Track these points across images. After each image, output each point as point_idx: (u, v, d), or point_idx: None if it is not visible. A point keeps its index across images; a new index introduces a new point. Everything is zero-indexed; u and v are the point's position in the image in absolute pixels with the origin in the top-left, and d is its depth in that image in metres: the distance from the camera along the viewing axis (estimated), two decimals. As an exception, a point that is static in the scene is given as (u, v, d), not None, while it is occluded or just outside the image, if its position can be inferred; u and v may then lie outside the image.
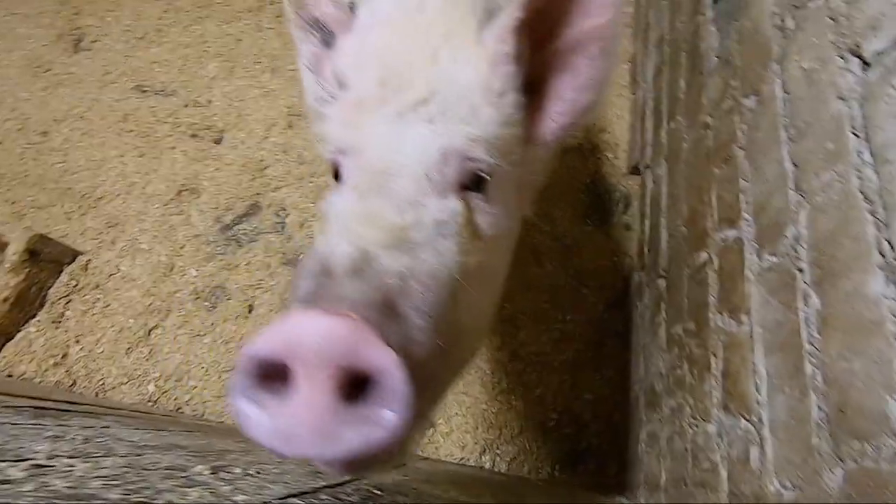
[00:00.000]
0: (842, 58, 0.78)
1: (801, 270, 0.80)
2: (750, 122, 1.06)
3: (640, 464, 1.44)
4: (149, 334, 1.89)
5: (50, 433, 0.46)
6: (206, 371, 1.82)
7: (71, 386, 1.76)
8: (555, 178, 2.03)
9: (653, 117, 1.84)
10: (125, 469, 0.36)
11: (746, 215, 1.02)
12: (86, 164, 2.23)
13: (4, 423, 0.46)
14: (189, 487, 0.36)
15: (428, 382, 0.59)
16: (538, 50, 0.78)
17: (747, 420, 0.90)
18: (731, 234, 1.07)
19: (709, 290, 1.13)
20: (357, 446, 0.46)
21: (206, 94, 2.40)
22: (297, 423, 0.46)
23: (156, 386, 1.79)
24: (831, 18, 0.82)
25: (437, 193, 0.70)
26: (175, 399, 1.77)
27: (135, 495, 0.32)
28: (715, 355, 1.06)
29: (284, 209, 2.12)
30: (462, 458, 1.69)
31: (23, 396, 0.99)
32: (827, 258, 0.74)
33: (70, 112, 2.36)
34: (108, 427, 0.62)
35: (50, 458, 0.35)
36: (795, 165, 0.87)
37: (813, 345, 0.75)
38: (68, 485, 0.30)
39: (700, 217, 1.24)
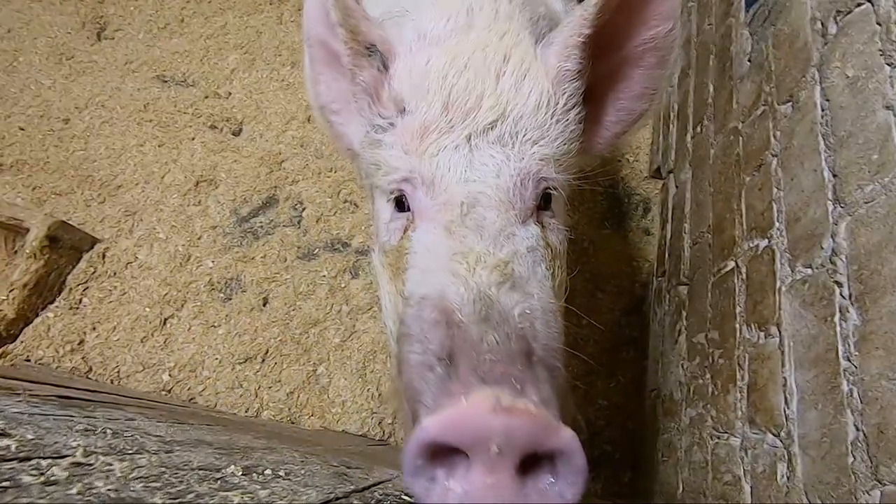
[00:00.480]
0: (890, 65, 0.76)
1: (839, 284, 0.78)
2: (785, 129, 1.03)
3: (656, 472, 1.42)
4: (164, 323, 1.89)
5: (80, 426, 0.45)
6: (220, 362, 1.82)
7: (87, 372, 1.77)
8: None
9: (677, 121, 1.81)
10: (161, 469, 0.36)
11: (778, 225, 0.99)
12: (106, 153, 2.24)
13: (34, 414, 0.46)
14: (227, 491, 0.35)
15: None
16: (596, 61, 0.77)
17: (775, 435, 0.88)
18: (761, 243, 1.05)
19: (735, 299, 1.11)
20: None
21: (226, 86, 2.40)
22: (482, 496, 0.49)
23: (170, 375, 1.79)
24: (879, 24, 0.80)
25: (522, 220, 0.71)
26: (188, 389, 1.78)
27: (178, 500, 0.32)
28: (740, 367, 1.04)
29: (301, 203, 2.12)
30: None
31: (45, 384, 0.99)
32: (869, 273, 0.72)
33: (91, 100, 2.37)
34: (132, 420, 0.62)
35: (87, 454, 0.34)
36: (835, 175, 0.84)
37: (851, 362, 0.73)
38: (110, 487, 0.29)
39: (727, 225, 1.22)
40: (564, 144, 0.76)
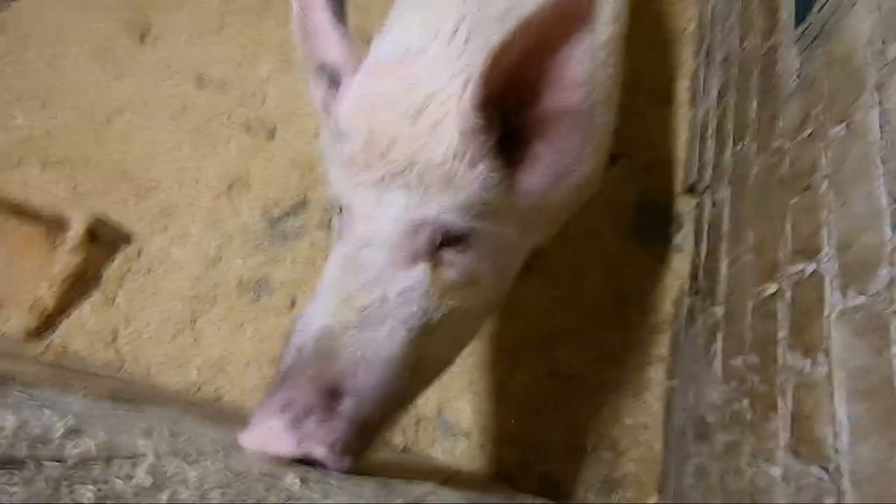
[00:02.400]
0: (958, 91, 0.73)
1: (896, 315, 0.75)
2: (836, 152, 1.01)
3: (684, 497, 1.38)
4: (194, 322, 1.93)
5: (142, 424, 0.46)
6: (248, 363, 1.84)
7: (120, 367, 1.81)
8: (602, 192, 1.99)
9: (715, 138, 1.79)
10: (228, 475, 0.36)
11: (828, 249, 0.97)
12: (143, 153, 2.30)
13: (95, 411, 0.47)
14: (296, 500, 0.35)
15: (380, 420, 0.74)
16: (520, 110, 0.77)
17: (822, 468, 0.85)
18: (808, 267, 1.02)
19: (778, 323, 1.08)
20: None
21: (261, 91, 2.45)
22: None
23: (198, 373, 1.82)
24: (946, 48, 0.77)
25: (406, 262, 0.76)
26: (216, 389, 1.80)
27: (257, 513, 0.32)
28: (783, 394, 1.01)
29: (331, 207, 2.14)
30: (489, 475, 1.66)
31: (87, 374, 1.01)
32: (932, 305, 0.69)
33: (132, 101, 2.44)
34: (181, 418, 0.64)
35: (158, 457, 0.35)
36: (894, 201, 0.82)
37: (910, 396, 0.70)
38: (192, 495, 0.29)
39: (770, 246, 1.19)
40: (473, 194, 0.78)
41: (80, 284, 1.87)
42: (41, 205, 1.89)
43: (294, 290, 1.98)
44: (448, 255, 0.80)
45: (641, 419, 1.71)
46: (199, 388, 1.80)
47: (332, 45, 0.80)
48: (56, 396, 0.49)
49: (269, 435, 0.63)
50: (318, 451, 0.63)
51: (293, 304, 1.96)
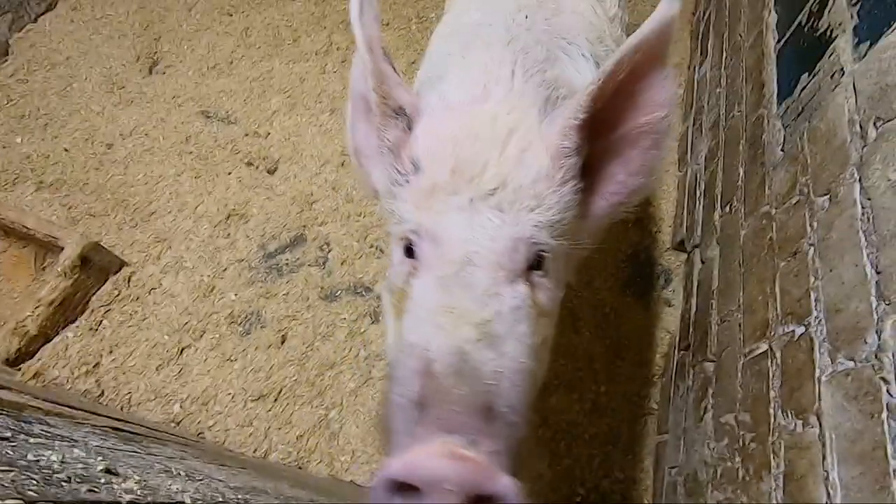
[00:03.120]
0: (935, 175, 0.80)
1: (886, 381, 0.79)
2: (822, 221, 1.07)
3: (675, 557, 1.37)
4: (181, 353, 1.89)
5: (158, 464, 0.45)
6: (233, 398, 1.80)
7: (99, 396, 1.75)
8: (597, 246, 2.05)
9: (704, 198, 1.87)
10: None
11: (817, 313, 1.01)
12: (143, 179, 2.31)
13: (113, 449, 0.46)
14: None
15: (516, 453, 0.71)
16: (595, 139, 0.84)
17: (817, 531, 0.86)
18: (797, 329, 1.06)
19: (769, 384, 1.11)
20: None
21: (265, 126, 2.50)
22: None
23: (181, 407, 1.77)
24: (922, 136, 0.85)
25: (510, 280, 0.77)
26: (198, 423, 1.75)
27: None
28: (776, 454, 1.03)
29: (328, 244, 2.16)
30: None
31: (90, 412, 0.98)
32: (919, 374, 0.73)
33: (136, 129, 2.47)
34: (185, 458, 0.62)
35: (193, 501, 0.35)
36: (879, 272, 0.87)
37: (901, 462, 0.72)
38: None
39: (760, 307, 1.24)
40: (559, 213, 0.83)
41: (66, 310, 1.83)
42: (34, 227, 1.87)
43: (285, 325, 1.96)
44: (536, 278, 0.82)
45: (632, 473, 1.70)
46: (179, 423, 1.74)
47: (402, 92, 0.85)
48: (71, 431, 0.48)
49: (438, 461, 0.59)
50: (502, 483, 0.59)
51: (284, 339, 1.93)
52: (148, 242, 2.12)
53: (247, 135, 2.46)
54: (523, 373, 0.73)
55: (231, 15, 2.92)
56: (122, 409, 1.75)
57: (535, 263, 0.82)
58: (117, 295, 1.98)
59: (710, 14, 2.40)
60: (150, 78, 2.67)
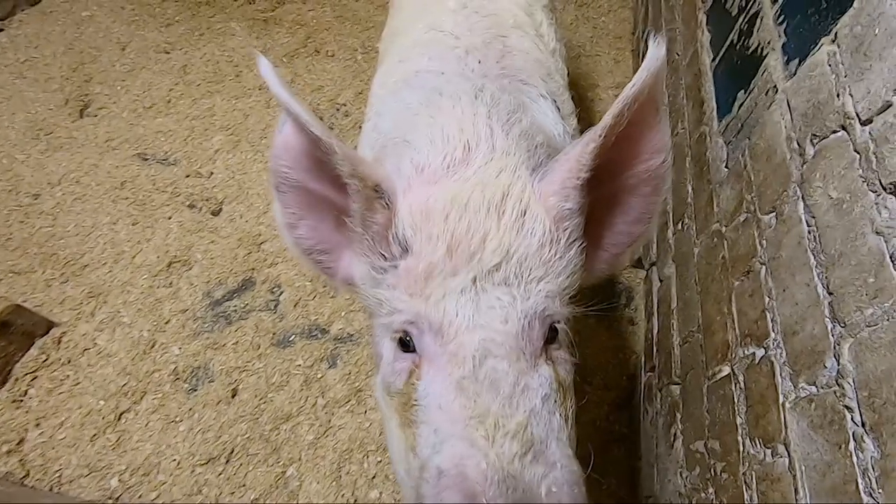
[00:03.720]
0: (874, 192, 0.79)
1: (849, 409, 0.76)
2: (770, 240, 1.06)
3: None
4: (119, 419, 1.73)
5: None
6: (178, 464, 1.65)
7: (23, 478, 1.57)
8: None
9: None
10: None
11: (774, 336, 0.99)
12: (74, 230, 2.15)
13: None
14: None
15: None
16: (593, 191, 0.78)
17: (796, 572, 0.81)
18: (757, 352, 1.03)
19: (735, 409, 1.08)
20: None
21: (208, 166, 2.39)
22: None
23: (119, 480, 1.61)
24: (857, 153, 0.84)
25: (533, 364, 0.70)
26: (140, 497, 1.59)
27: None
28: (748, 486, 0.98)
29: (279, 286, 2.05)
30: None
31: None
32: (882, 402, 0.70)
33: (65, 176, 2.32)
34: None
35: None
36: (830, 293, 0.85)
37: (874, 499, 0.69)
38: None
39: (719, 328, 1.21)
40: (568, 278, 0.76)
41: (-16, 382, 1.65)
42: (-54, 291, 1.70)
43: (235, 377, 1.83)
44: (554, 353, 0.75)
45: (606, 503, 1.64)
46: (118, 499, 1.58)
47: (373, 169, 0.74)
48: None
49: None
50: None
51: (234, 393, 1.80)
52: (80, 298, 1.96)
53: (188, 176, 2.34)
54: (577, 482, 0.63)
55: (168, 52, 2.82)
56: (51, 489, 1.57)
57: (551, 336, 0.74)
58: (45, 360, 1.81)
59: (648, 33, 2.46)
60: (81, 122, 2.53)
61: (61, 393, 1.75)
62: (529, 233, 0.73)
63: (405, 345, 0.74)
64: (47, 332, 1.85)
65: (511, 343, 0.68)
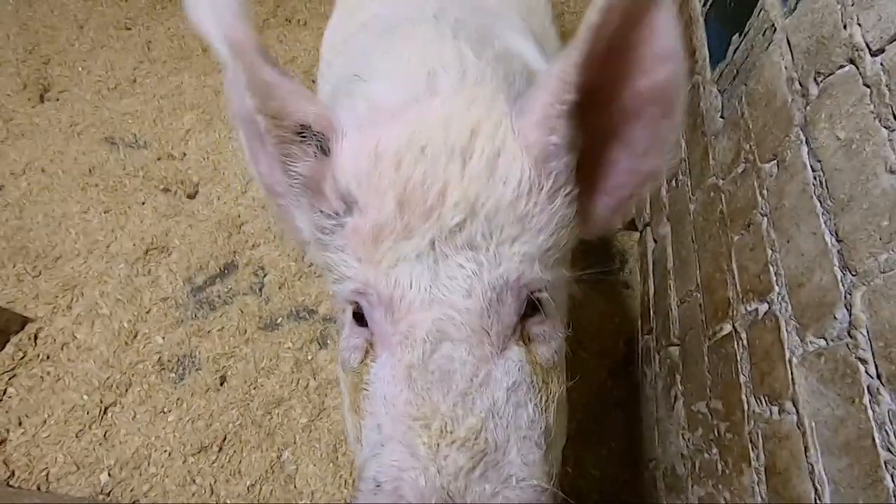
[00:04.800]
0: (888, 128, 0.73)
1: (863, 362, 0.71)
2: (772, 189, 1.00)
3: (663, 557, 1.29)
4: (104, 413, 1.67)
5: None
6: (170, 455, 1.61)
7: (8, 478, 1.52)
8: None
9: (648, 174, 1.81)
10: None
11: (779, 289, 0.94)
12: (44, 221, 2.06)
13: None
14: None
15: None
16: (585, 118, 0.61)
17: (809, 531, 0.78)
18: (760, 307, 0.99)
19: (738, 367, 1.04)
20: None
21: (180, 147, 2.28)
22: None
23: (109, 475, 1.56)
24: (867, 86, 0.78)
25: (500, 347, 0.58)
26: (132, 490, 1.55)
27: None
28: (754, 445, 0.95)
29: (263, 268, 1.98)
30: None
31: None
32: (899, 352, 0.66)
33: (30, 165, 2.20)
34: None
35: None
36: (840, 240, 0.80)
37: (893, 453, 0.65)
38: None
39: (718, 285, 1.17)
40: (553, 235, 0.61)
41: (-42, 383, 1.59)
42: None
43: (223, 364, 1.77)
44: (533, 328, 0.62)
45: (608, 470, 1.62)
46: (109, 493, 1.54)
47: (303, 104, 0.60)
48: None
49: None
50: None
51: (223, 380, 1.75)
52: (55, 292, 1.88)
53: (160, 158, 2.23)
54: (532, 496, 0.54)
55: (129, 29, 2.66)
56: (38, 488, 1.52)
57: (530, 309, 0.61)
58: (22, 357, 1.74)
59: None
60: (42, 106, 2.39)
61: (42, 390, 1.69)
62: (502, 180, 0.59)
63: (360, 318, 0.64)
64: (22, 329, 1.78)
65: (473, 323, 0.57)
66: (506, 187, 0.59)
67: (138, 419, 1.67)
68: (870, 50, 0.76)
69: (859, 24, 0.79)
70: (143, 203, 2.12)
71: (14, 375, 1.71)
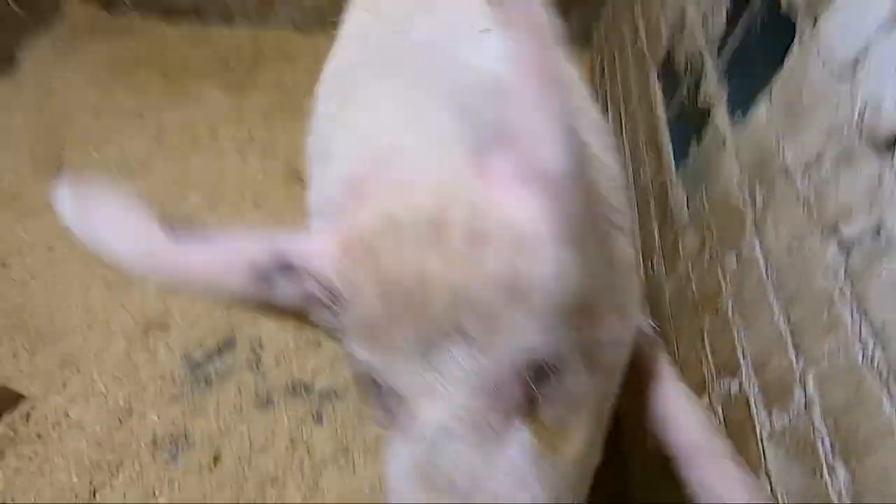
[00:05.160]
0: (822, 233, 0.87)
1: (819, 438, 0.81)
2: (735, 279, 1.14)
3: None
4: (94, 494, 1.64)
5: None
6: (159, 540, 1.57)
7: (-13, 569, 1.46)
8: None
9: (627, 256, 1.96)
10: None
11: (746, 370, 1.05)
12: (45, 298, 2.10)
13: None
14: None
15: None
16: None
17: None
18: (733, 385, 1.09)
19: (717, 442, 1.12)
20: None
21: (185, 226, 2.39)
22: None
23: (95, 563, 1.52)
24: (798, 199, 0.93)
25: (499, 440, 0.54)
26: (117, 580, 1.50)
27: None
28: (737, 518, 1.01)
29: (261, 344, 2.03)
30: None
31: None
32: (845, 431, 0.76)
33: (36, 243, 2.28)
34: None
35: None
36: (791, 328, 0.92)
37: (851, 522, 0.73)
38: None
39: (695, 364, 1.27)
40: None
41: (-54, 465, 1.56)
42: None
43: (218, 442, 1.78)
44: (544, 389, 0.57)
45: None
46: (93, 587, 1.48)
47: (240, 257, 0.58)
48: None
49: None
50: None
51: (217, 459, 1.75)
52: (51, 369, 1.89)
53: (164, 237, 2.33)
54: None
55: (142, 116, 2.86)
56: (18, 579, 1.47)
57: (539, 372, 0.56)
58: (13, 436, 1.72)
59: (606, 89, 2.65)
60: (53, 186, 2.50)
61: (31, 471, 1.66)
62: (482, 259, 0.51)
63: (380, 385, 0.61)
64: (15, 407, 1.77)
65: (478, 419, 0.53)
66: (490, 266, 0.53)
67: (128, 499, 1.64)
68: (798, 170, 0.93)
69: (787, 150, 0.96)
70: (146, 280, 2.18)
71: (2, 456, 1.68)
